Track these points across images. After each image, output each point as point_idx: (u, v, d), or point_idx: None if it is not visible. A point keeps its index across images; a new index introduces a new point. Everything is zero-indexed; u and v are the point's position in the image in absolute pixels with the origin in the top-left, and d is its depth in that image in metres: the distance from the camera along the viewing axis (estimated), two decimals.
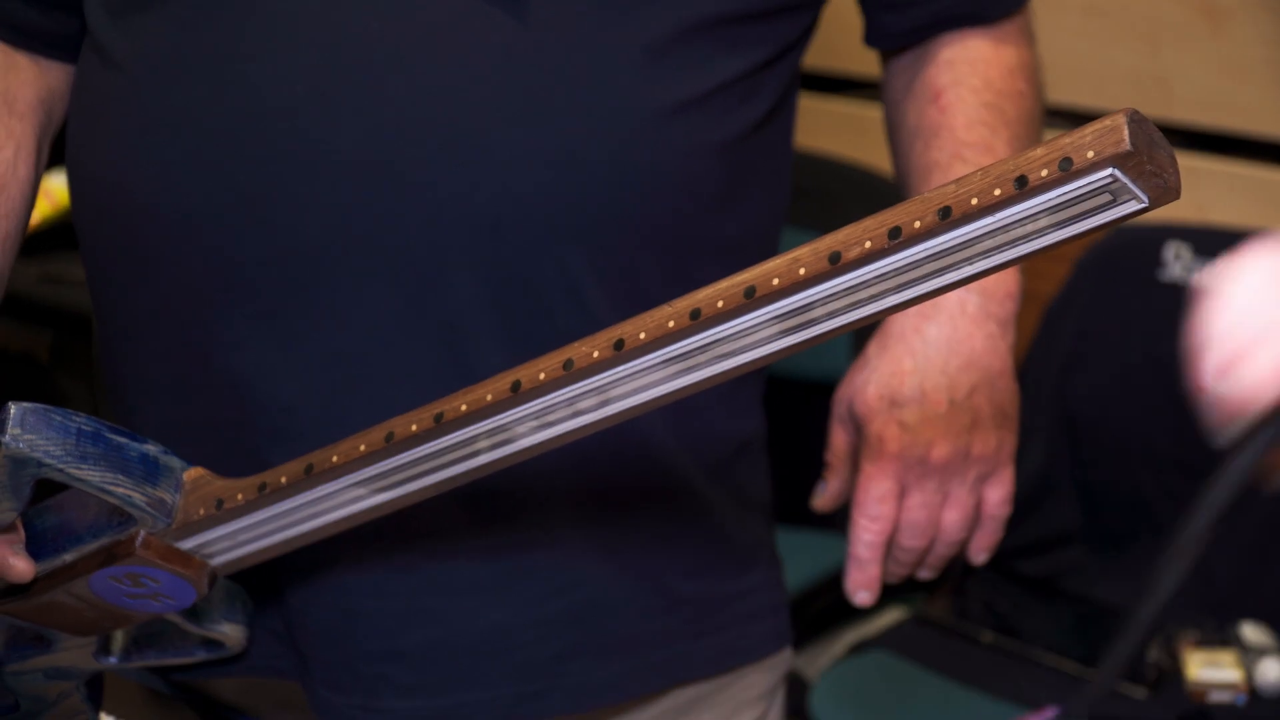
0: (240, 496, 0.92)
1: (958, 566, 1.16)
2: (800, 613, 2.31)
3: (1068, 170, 0.70)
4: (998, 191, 0.71)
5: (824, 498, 1.16)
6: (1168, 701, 2.08)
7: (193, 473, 0.94)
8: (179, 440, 0.98)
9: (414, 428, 0.86)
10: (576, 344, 0.83)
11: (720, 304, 0.78)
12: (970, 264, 0.74)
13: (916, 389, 1.08)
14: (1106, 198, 0.70)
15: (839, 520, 1.16)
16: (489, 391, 0.85)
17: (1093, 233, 0.72)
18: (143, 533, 0.94)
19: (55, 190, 2.36)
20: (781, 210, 1.16)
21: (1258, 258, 0.73)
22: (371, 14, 0.99)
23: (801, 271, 0.76)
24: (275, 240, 1.00)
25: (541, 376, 0.83)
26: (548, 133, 1.00)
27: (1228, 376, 0.71)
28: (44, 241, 2.32)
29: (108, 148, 1.06)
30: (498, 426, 0.86)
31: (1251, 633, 2.12)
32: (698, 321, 0.79)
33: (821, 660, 2.40)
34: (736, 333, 0.79)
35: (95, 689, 1.10)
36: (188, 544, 0.95)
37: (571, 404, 0.84)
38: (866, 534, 1.09)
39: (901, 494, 1.10)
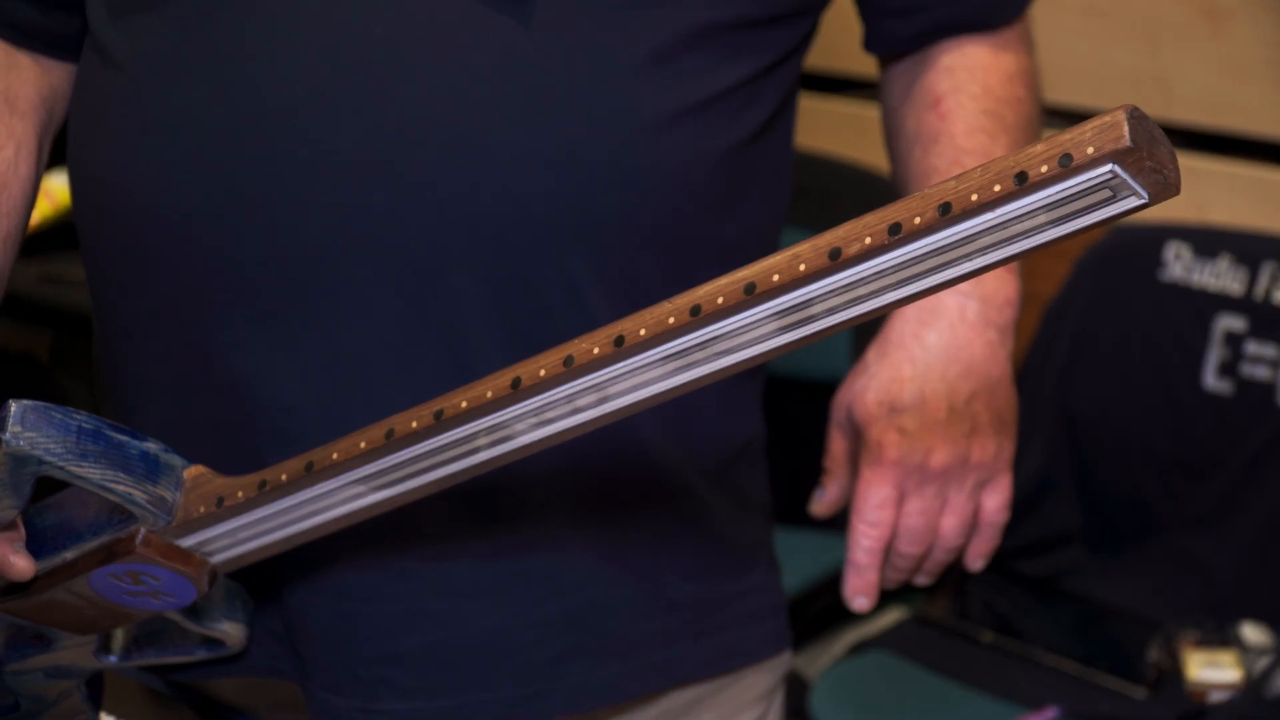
0: (240, 494, 0.92)
1: (957, 568, 1.16)
2: (800, 613, 2.31)
3: (1068, 166, 0.70)
4: (998, 188, 0.71)
5: (822, 503, 1.16)
6: (1168, 701, 2.08)
7: (193, 470, 0.94)
8: (179, 440, 0.98)
9: (414, 424, 0.86)
10: (576, 340, 0.83)
11: (721, 300, 0.78)
12: (970, 260, 0.74)
13: (916, 396, 1.09)
14: (1106, 194, 0.71)
15: (839, 520, 1.16)
16: (489, 388, 0.85)
17: (1093, 228, 0.72)
18: (143, 530, 0.94)
19: (56, 190, 2.37)
20: (782, 212, 1.16)
21: None
22: (372, 14, 0.99)
23: (802, 268, 0.76)
24: (275, 240, 1.00)
25: (541, 373, 0.83)
26: (548, 133, 1.00)
27: None
28: (44, 241, 2.32)
29: (108, 148, 1.06)
30: (497, 424, 0.86)
31: (1251, 633, 2.12)
32: (698, 318, 0.79)
33: (821, 660, 2.40)
34: (736, 329, 0.79)
35: (95, 689, 1.09)
36: (188, 541, 0.95)
37: (570, 401, 0.84)
38: (865, 540, 1.10)
39: (900, 500, 1.10)
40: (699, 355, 0.81)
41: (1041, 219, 0.72)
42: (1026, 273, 1.13)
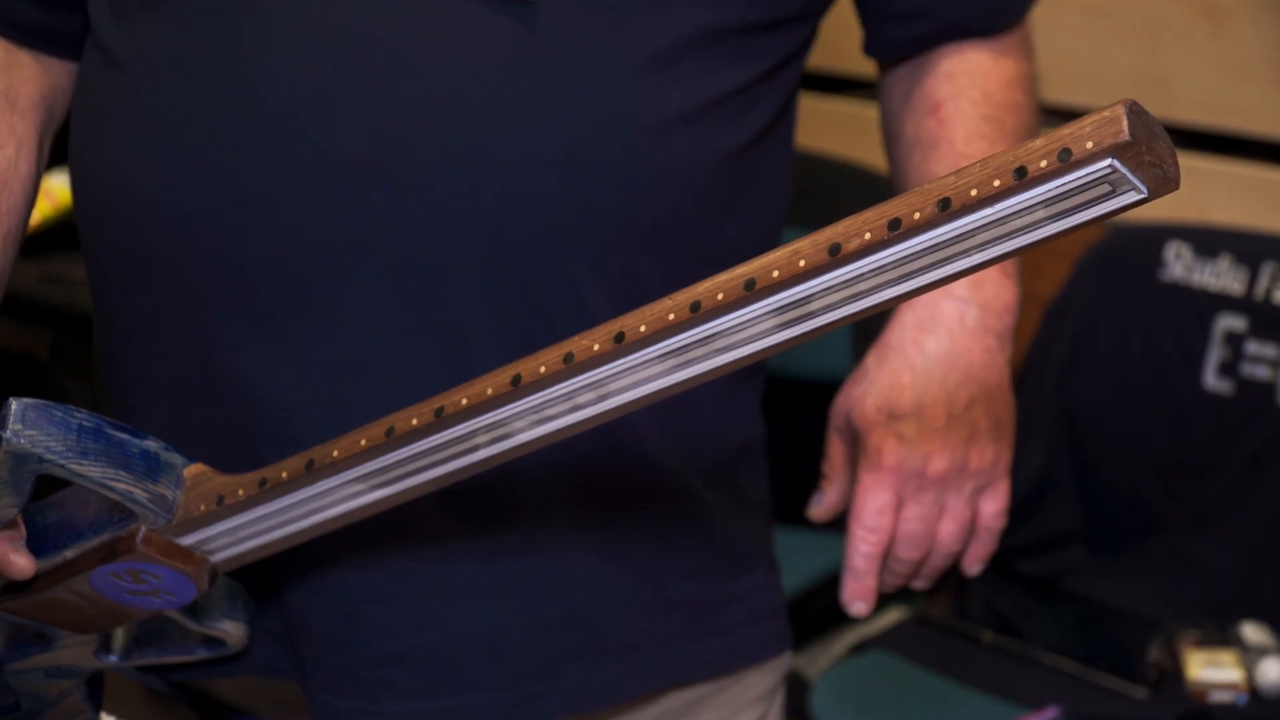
0: (241, 492, 0.92)
1: (956, 569, 1.16)
2: (800, 613, 2.31)
3: (1067, 161, 0.70)
4: (997, 183, 0.71)
5: (820, 508, 1.17)
6: (1168, 701, 2.08)
7: (193, 469, 0.94)
8: (179, 441, 0.98)
9: (415, 422, 0.86)
10: (577, 337, 0.83)
11: (720, 296, 0.78)
12: (969, 255, 0.74)
13: (915, 402, 1.09)
14: (1106, 188, 0.71)
15: (839, 520, 1.16)
16: (489, 385, 0.85)
17: (1092, 223, 0.72)
18: (144, 529, 0.94)
19: (56, 190, 2.37)
20: (782, 212, 1.16)
21: None
22: (372, 14, 0.99)
23: (802, 263, 0.76)
24: (275, 240, 1.00)
25: (542, 370, 0.83)
26: (548, 133, 1.00)
27: None
28: (45, 241, 2.33)
29: (109, 149, 1.06)
30: (496, 421, 0.86)
31: (1252, 632, 2.12)
32: (698, 314, 0.79)
33: (822, 660, 2.40)
34: (735, 326, 0.80)
35: (96, 688, 1.09)
36: (188, 540, 0.95)
37: (570, 398, 0.84)
38: (864, 545, 1.10)
39: (898, 506, 1.10)
40: (698, 352, 0.81)
41: (1041, 214, 0.72)
42: (1026, 272, 1.13)
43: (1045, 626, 2.25)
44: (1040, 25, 1.25)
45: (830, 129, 2.56)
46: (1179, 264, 2.25)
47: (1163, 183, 0.70)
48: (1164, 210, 2.19)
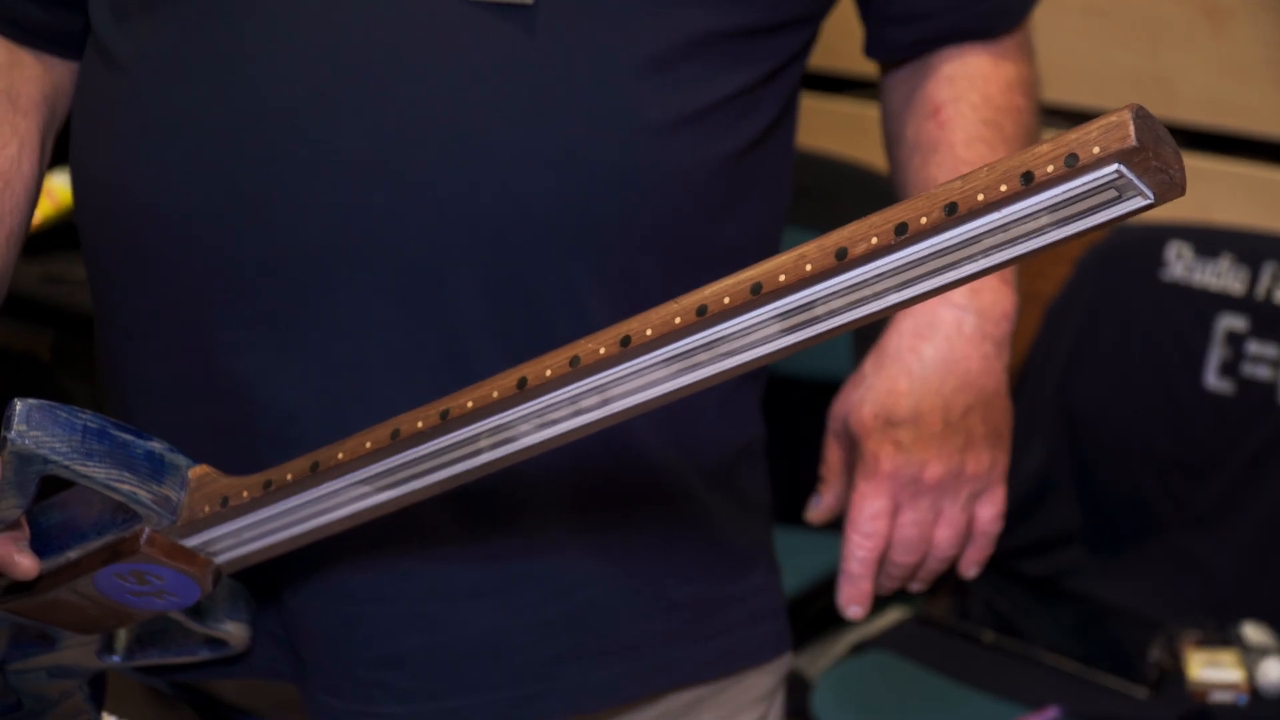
0: (245, 494, 0.92)
1: (955, 570, 1.17)
2: (800, 613, 2.31)
3: (1073, 166, 0.70)
4: (1004, 188, 0.71)
5: (817, 511, 1.17)
6: (1169, 701, 2.08)
7: (198, 470, 0.94)
8: (179, 442, 0.97)
9: (420, 424, 0.86)
10: (582, 341, 0.83)
11: (727, 300, 0.78)
12: (975, 261, 0.74)
13: (912, 409, 1.09)
14: (1112, 193, 0.70)
15: (839, 521, 1.16)
16: (495, 388, 0.84)
17: (1098, 229, 0.72)
18: (148, 530, 0.94)
19: (57, 190, 2.36)
20: (782, 214, 1.16)
21: None
22: (372, 15, 0.99)
23: (808, 268, 0.76)
24: (275, 241, 1.00)
25: (548, 373, 0.83)
26: (548, 133, 1.00)
27: None
28: (46, 241, 2.32)
29: (110, 149, 1.06)
30: (499, 425, 0.86)
31: (1253, 633, 2.12)
32: (704, 318, 0.79)
33: (822, 660, 2.40)
34: (741, 330, 0.79)
35: (98, 689, 1.09)
36: (192, 541, 0.94)
37: (574, 402, 0.84)
38: (860, 550, 1.10)
39: (895, 512, 1.10)
40: (703, 356, 0.81)
41: (1046, 219, 0.72)
42: (1027, 272, 1.13)
43: (1046, 626, 2.25)
44: (1040, 25, 1.25)
45: (831, 129, 2.56)
46: (1180, 264, 2.26)
47: (1169, 188, 0.70)
48: (1165, 210, 2.19)
